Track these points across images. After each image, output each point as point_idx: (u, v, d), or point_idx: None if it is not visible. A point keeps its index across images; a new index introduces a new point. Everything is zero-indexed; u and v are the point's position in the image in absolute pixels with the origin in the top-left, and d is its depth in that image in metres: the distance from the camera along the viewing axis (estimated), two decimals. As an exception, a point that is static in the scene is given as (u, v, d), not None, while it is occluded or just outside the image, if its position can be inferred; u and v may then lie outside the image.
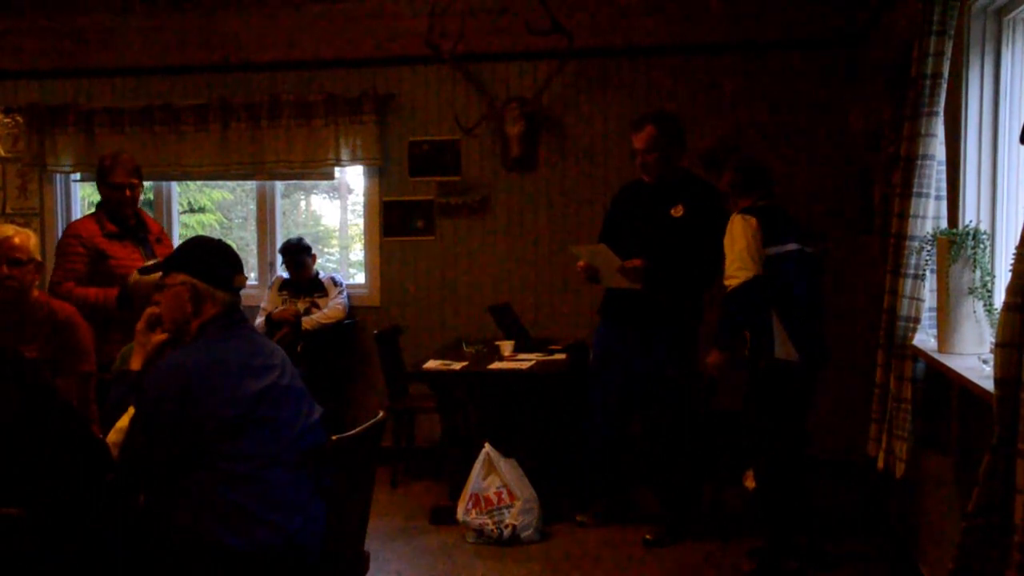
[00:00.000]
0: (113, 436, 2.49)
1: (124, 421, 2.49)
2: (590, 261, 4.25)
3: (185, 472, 2.39)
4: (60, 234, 5.93)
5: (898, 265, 3.16)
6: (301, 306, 5.45)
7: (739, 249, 3.63)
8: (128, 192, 4.08)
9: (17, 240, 3.37)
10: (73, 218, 6.12)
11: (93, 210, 4.26)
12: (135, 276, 3.69)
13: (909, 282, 3.13)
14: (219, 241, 2.73)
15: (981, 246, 2.86)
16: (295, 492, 2.44)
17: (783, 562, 3.75)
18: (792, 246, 3.70)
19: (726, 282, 3.66)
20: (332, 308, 5.46)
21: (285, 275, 5.64)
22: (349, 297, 5.60)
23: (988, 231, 3.07)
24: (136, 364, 2.68)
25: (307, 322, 5.35)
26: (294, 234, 5.69)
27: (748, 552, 3.90)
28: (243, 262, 2.74)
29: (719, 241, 4.16)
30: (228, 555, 2.35)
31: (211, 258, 2.62)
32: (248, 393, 2.42)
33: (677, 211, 4.16)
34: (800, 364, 3.65)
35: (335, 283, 5.59)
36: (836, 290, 5.19)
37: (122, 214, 4.08)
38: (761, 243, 3.63)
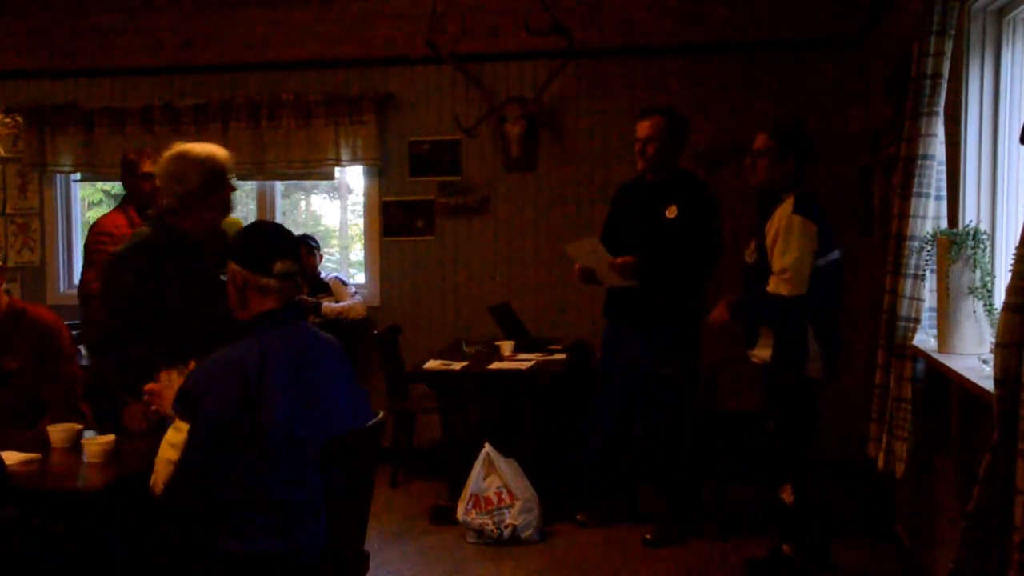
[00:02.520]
0: (166, 453, 2.37)
1: (174, 436, 2.36)
2: (584, 260, 4.25)
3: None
4: (60, 235, 6.00)
5: (898, 265, 3.16)
6: (304, 306, 5.45)
7: (794, 259, 3.38)
8: (158, 182, 4.06)
9: None
10: (73, 218, 6.13)
11: (118, 203, 4.22)
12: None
13: (909, 282, 3.13)
14: (269, 224, 2.61)
15: (981, 246, 2.86)
16: (305, 509, 2.40)
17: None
18: (836, 254, 3.52)
19: (772, 287, 3.43)
20: (354, 304, 5.46)
21: None
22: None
23: (988, 231, 3.06)
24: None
25: (326, 309, 5.32)
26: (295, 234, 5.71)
27: (745, 561, 3.86)
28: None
29: (711, 241, 4.16)
30: (227, 559, 2.33)
31: (252, 241, 2.49)
32: (287, 407, 2.32)
33: (671, 212, 4.15)
34: (822, 380, 3.56)
35: (344, 283, 5.60)
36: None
37: (151, 207, 4.05)
38: (815, 255, 3.43)
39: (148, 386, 2.61)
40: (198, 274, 2.98)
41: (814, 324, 3.48)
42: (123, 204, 4.13)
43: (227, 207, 2.99)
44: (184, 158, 2.91)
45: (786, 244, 3.41)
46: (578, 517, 4.37)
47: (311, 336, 2.52)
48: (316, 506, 2.42)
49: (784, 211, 3.46)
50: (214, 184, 2.92)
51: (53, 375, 3.33)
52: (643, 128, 4.18)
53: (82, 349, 4.50)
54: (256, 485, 2.33)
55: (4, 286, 3.41)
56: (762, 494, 4.14)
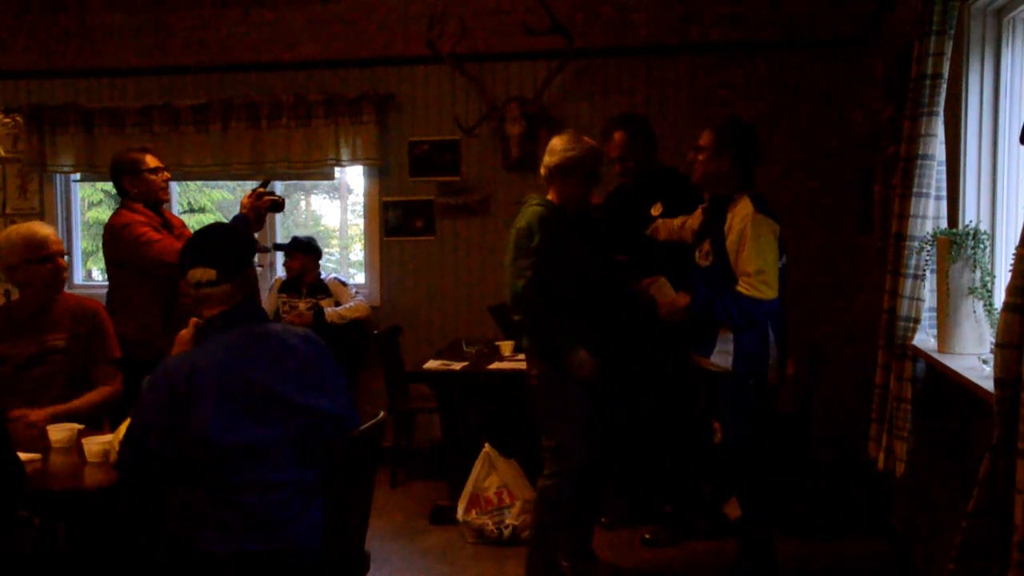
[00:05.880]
0: (115, 441, 2.46)
1: (123, 430, 2.43)
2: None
3: (174, 483, 2.35)
4: (60, 235, 5.93)
5: (898, 265, 3.16)
6: (304, 307, 5.44)
7: (769, 260, 3.26)
8: (167, 175, 4.02)
9: (50, 233, 3.45)
10: (73, 218, 6.12)
11: (119, 206, 4.07)
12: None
13: (909, 282, 3.13)
14: (214, 227, 2.59)
15: (981, 246, 2.86)
16: (281, 511, 2.35)
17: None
18: (785, 258, 3.42)
19: (748, 289, 3.26)
20: (356, 305, 5.47)
21: (284, 276, 5.64)
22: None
23: (988, 231, 3.07)
24: None
25: (330, 315, 5.34)
26: (294, 234, 5.70)
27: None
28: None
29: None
30: (212, 558, 2.31)
31: (184, 248, 2.49)
32: (222, 416, 2.27)
33: (656, 209, 4.17)
34: (778, 384, 3.44)
35: (343, 283, 5.60)
36: (836, 290, 5.21)
37: (159, 202, 4.00)
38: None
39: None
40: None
41: (774, 330, 3.37)
42: (127, 204, 3.94)
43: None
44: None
45: (757, 245, 3.26)
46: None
47: (262, 338, 2.43)
48: (300, 506, 2.39)
49: (744, 211, 3.31)
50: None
51: (98, 358, 3.44)
52: (612, 148, 4.18)
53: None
54: (219, 490, 2.30)
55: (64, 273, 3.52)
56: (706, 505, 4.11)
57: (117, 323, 3.82)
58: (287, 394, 2.38)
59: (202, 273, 2.41)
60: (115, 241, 3.87)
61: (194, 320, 2.53)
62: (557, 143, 3.61)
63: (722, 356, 3.36)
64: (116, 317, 3.87)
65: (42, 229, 3.44)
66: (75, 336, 3.40)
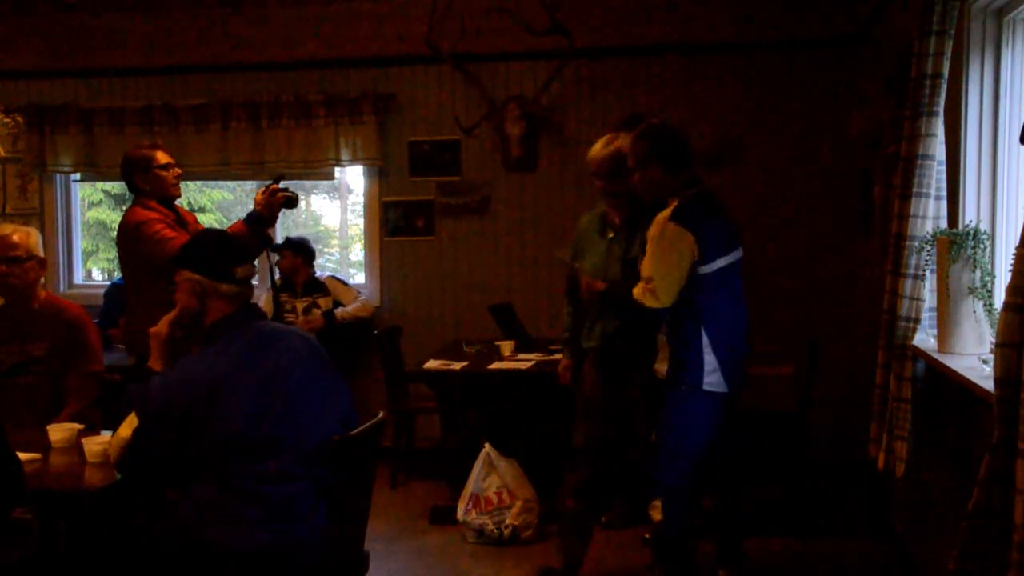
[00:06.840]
0: (124, 431, 2.43)
1: (125, 430, 2.41)
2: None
3: (183, 481, 2.38)
4: (60, 235, 5.98)
5: (898, 265, 3.16)
6: (300, 306, 5.45)
7: (660, 269, 3.13)
8: (178, 171, 3.99)
9: (15, 238, 3.40)
10: (73, 218, 6.12)
11: (130, 204, 4.02)
12: None
13: (909, 282, 3.13)
14: (220, 232, 2.68)
15: (981, 246, 2.86)
16: (297, 503, 2.40)
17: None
18: (721, 262, 3.19)
19: (638, 293, 3.17)
20: (363, 304, 5.49)
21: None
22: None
23: (988, 231, 3.07)
24: (156, 364, 2.59)
25: (341, 312, 5.37)
26: (294, 234, 5.69)
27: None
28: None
29: None
30: (225, 555, 2.33)
31: (210, 250, 2.53)
32: (248, 414, 2.35)
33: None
34: (727, 395, 3.25)
35: (343, 283, 5.60)
36: (836, 290, 5.21)
37: (172, 198, 3.97)
38: (690, 265, 3.13)
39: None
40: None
41: (709, 334, 3.20)
42: (140, 201, 3.88)
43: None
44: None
45: (654, 253, 3.16)
46: (602, 519, 4.35)
47: (270, 336, 2.52)
48: (311, 501, 2.43)
49: (660, 216, 3.18)
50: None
51: (76, 368, 3.40)
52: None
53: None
54: (235, 482, 2.34)
55: (43, 279, 3.50)
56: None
57: (136, 324, 3.79)
58: (297, 390, 2.45)
59: (249, 269, 2.53)
60: (129, 239, 3.83)
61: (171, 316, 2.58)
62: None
63: (662, 363, 3.33)
64: (135, 318, 3.84)
65: None
66: (55, 346, 3.37)
